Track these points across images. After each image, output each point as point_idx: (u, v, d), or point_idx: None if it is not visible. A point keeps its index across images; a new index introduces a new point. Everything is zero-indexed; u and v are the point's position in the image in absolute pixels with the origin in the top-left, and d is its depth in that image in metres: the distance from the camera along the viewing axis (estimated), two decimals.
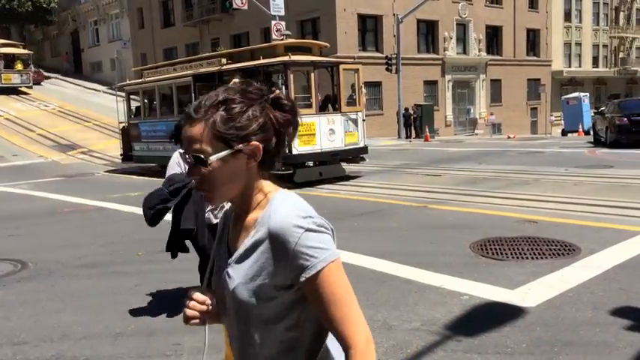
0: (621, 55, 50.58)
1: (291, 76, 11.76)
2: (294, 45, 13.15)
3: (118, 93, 18.48)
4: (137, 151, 16.47)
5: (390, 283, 5.08)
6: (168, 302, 4.87)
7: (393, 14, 30.15)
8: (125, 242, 7.26)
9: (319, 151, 11.99)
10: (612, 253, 5.66)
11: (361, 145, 12.92)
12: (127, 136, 16.92)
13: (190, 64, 14.78)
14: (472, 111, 37.39)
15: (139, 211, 9.52)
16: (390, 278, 5.19)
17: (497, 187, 10.47)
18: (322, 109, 12.58)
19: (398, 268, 5.48)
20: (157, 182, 15.40)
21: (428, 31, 34.66)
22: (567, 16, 45.10)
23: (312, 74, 12.32)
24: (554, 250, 5.87)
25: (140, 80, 16.47)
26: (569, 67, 45.58)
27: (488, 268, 5.40)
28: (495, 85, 38.51)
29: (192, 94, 13.63)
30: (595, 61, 48.23)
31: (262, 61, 12.38)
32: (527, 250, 5.91)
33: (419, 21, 33.12)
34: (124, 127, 17.26)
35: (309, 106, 12.15)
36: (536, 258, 5.63)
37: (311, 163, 12.47)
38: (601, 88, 48.67)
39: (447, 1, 34.15)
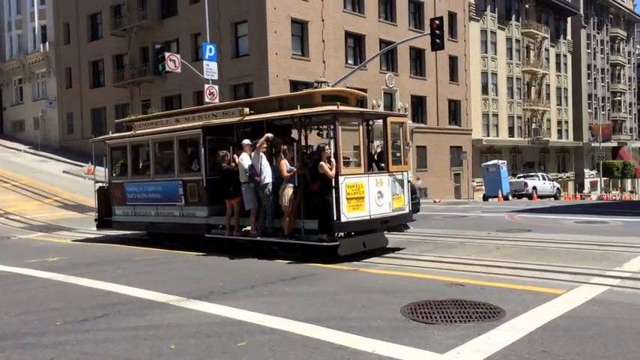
0: (534, 125, 54.43)
1: (340, 128, 9.99)
2: (330, 94, 11.34)
3: (92, 173, 16.01)
4: (119, 215, 13.97)
5: (323, 349, 5.02)
6: None
7: (325, 82, 31.24)
8: (42, 311, 6.81)
9: (368, 217, 10.03)
10: (534, 315, 5.88)
11: (406, 210, 11.01)
12: (106, 197, 14.41)
13: (199, 115, 12.53)
14: None
15: (58, 277, 9.06)
16: (323, 344, 5.14)
17: (424, 251, 10.73)
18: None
19: (330, 333, 5.43)
20: (76, 246, 13.96)
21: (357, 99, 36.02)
22: (484, 89, 48.39)
23: (360, 127, 10.47)
24: (481, 313, 6.03)
25: (129, 133, 14.09)
26: (488, 136, 48.49)
27: (419, 332, 5.46)
28: (421, 151, 40.21)
29: (202, 149, 11.64)
30: (511, 131, 51.58)
31: (303, 110, 10.36)
32: (455, 313, 6.04)
33: (349, 88, 34.41)
34: (101, 187, 14.84)
35: (357, 164, 10.52)
36: (464, 321, 5.76)
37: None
38: (517, 156, 51.90)
39: (374, 72, 35.87)
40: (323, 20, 33.40)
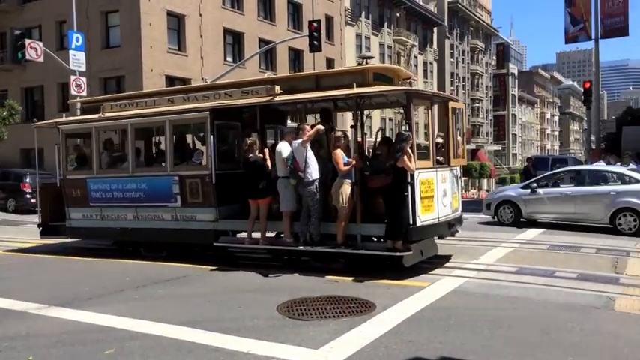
0: (404, 128, 57.50)
1: (413, 112, 8.53)
2: (377, 71, 9.54)
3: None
4: (77, 220, 11.09)
5: (197, 352, 4.92)
6: None
7: (202, 78, 30.59)
8: None
9: (437, 220, 8.50)
10: (402, 307, 6.23)
11: (460, 211, 9.58)
12: (55, 198, 11.42)
13: (204, 94, 10.00)
14: None
15: None
16: (197, 347, 5.04)
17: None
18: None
19: (205, 335, 5.34)
20: None
21: None
22: None
23: (430, 111, 8.91)
24: (353, 307, 6.27)
25: (95, 116, 11.02)
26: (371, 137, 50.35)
27: (294, 329, 5.55)
28: None
29: (210, 137, 9.46)
30: (383, 134, 54.07)
31: (365, 89, 8.60)
32: (330, 309, 6.22)
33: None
34: (47, 184, 12.14)
35: (425, 155, 8.71)
36: (338, 316, 5.95)
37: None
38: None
39: (253, 70, 35.76)
40: (201, 15, 32.67)
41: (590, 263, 9.00)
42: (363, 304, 6.39)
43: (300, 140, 8.37)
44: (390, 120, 49.83)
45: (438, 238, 9.18)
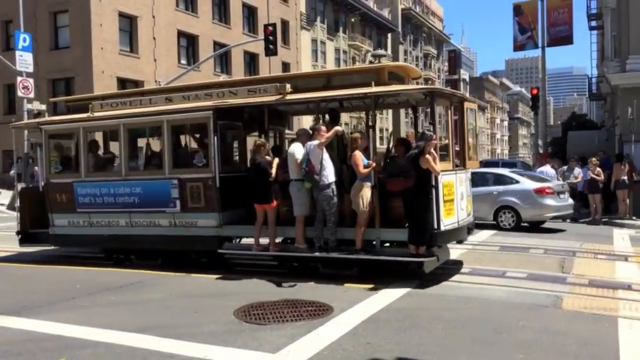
0: None
1: (437, 111, 8.19)
2: (391, 70, 9.17)
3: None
4: (62, 227, 10.32)
5: (151, 359, 4.83)
6: None
7: (155, 80, 30.09)
8: None
9: (457, 225, 8.20)
10: (359, 310, 6.28)
11: (472, 215, 9.26)
12: (36, 203, 10.65)
13: (206, 92, 9.47)
14: None
15: None
16: (152, 354, 4.94)
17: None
18: None
19: (160, 342, 5.25)
20: None
21: None
22: None
23: (449, 112, 8.49)
24: (311, 311, 6.28)
25: (82, 115, 10.21)
26: None
27: (252, 333, 5.51)
28: None
29: (213, 138, 8.91)
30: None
31: (383, 88, 8.29)
32: (288, 312, 6.21)
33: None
34: (27, 188, 11.51)
35: (445, 157, 8.29)
36: (295, 320, 5.95)
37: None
38: None
39: (208, 73, 35.45)
40: (154, 17, 32.14)
41: (538, 263, 9.31)
42: (321, 307, 6.41)
43: (316, 142, 7.97)
44: (346, 124, 50.19)
45: (457, 242, 9.13)
